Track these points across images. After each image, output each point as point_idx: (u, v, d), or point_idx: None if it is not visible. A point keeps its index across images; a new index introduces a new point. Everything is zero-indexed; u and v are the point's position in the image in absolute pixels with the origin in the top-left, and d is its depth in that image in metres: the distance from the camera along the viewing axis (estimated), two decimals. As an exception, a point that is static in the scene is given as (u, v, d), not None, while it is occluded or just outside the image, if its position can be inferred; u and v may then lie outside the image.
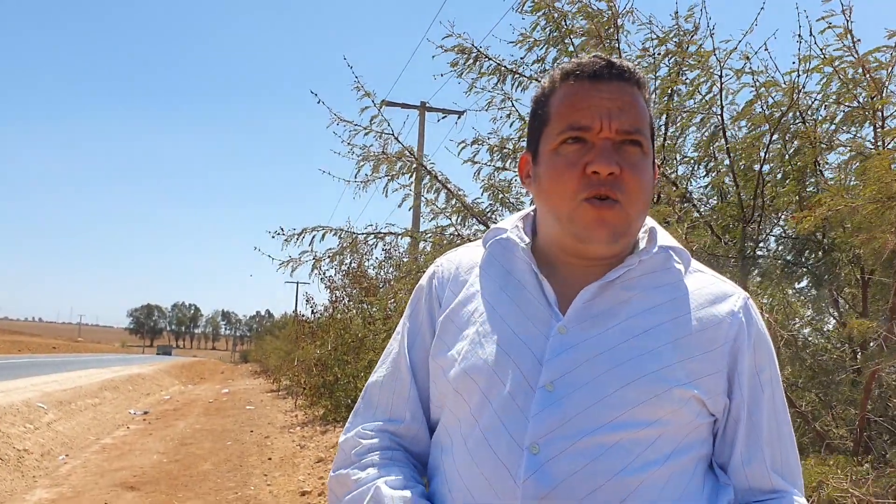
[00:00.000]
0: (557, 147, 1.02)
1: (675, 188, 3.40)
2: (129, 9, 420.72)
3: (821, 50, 3.07)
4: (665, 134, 3.68)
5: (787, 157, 3.31)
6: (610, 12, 3.59)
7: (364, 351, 7.51)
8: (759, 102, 3.27)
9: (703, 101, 3.54)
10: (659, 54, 3.65)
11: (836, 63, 3.01)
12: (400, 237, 5.38)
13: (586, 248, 1.02)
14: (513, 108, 4.14)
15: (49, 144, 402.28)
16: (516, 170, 3.86)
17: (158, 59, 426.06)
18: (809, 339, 3.12)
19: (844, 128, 3.22)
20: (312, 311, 11.51)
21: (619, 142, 1.00)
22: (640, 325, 1.00)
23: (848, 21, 2.89)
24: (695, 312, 1.03)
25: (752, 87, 3.31)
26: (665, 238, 1.09)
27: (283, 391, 20.05)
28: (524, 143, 2.06)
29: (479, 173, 4.42)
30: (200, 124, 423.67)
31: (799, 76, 3.12)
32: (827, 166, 3.35)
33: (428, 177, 4.37)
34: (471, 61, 4.05)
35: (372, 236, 4.69)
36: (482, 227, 4.28)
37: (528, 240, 1.11)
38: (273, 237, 4.75)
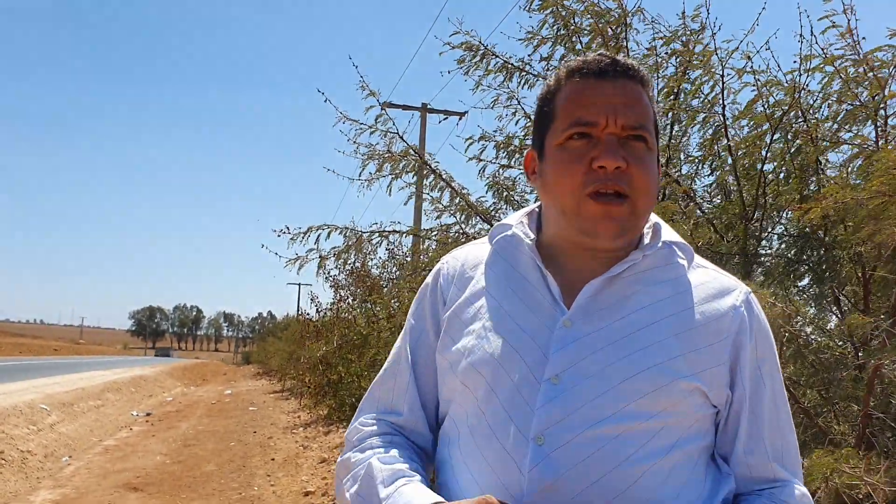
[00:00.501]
0: (563, 142, 1.04)
1: (678, 186, 3.41)
2: (130, 9, 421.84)
3: (822, 49, 3.09)
4: (670, 133, 3.70)
5: (788, 155, 3.32)
6: (619, 10, 3.60)
7: (367, 348, 7.53)
8: (761, 101, 3.28)
9: (706, 100, 3.55)
10: (666, 54, 3.66)
11: (838, 62, 3.02)
12: (404, 235, 5.40)
13: (593, 242, 1.04)
14: (518, 107, 4.16)
15: (49, 145, 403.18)
16: (522, 167, 3.89)
17: (159, 59, 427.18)
18: (812, 336, 3.12)
19: (846, 126, 3.22)
20: (317, 310, 11.53)
21: (624, 137, 1.02)
22: (644, 319, 1.02)
23: (852, 18, 2.90)
24: (698, 306, 1.04)
25: (754, 86, 3.32)
26: (669, 234, 1.11)
27: (286, 392, 20.08)
28: (529, 141, 2.07)
29: (483, 171, 4.43)
30: (203, 124, 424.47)
31: (800, 75, 3.13)
32: (829, 165, 3.36)
33: (432, 175, 4.39)
34: (477, 58, 4.06)
35: (376, 234, 4.71)
36: (486, 226, 4.30)
37: (533, 235, 1.12)
38: (279, 236, 4.79)
